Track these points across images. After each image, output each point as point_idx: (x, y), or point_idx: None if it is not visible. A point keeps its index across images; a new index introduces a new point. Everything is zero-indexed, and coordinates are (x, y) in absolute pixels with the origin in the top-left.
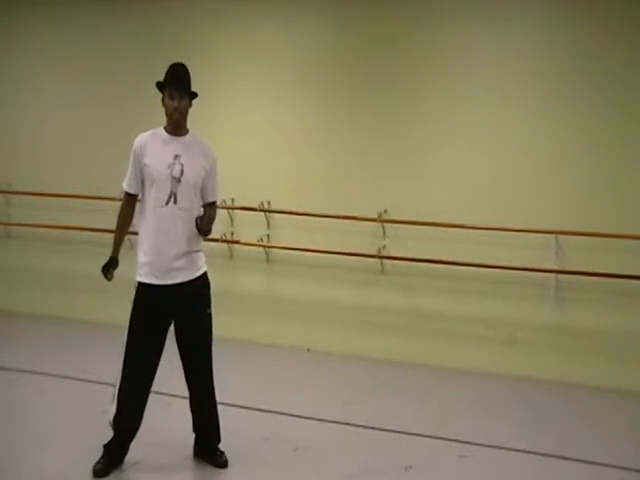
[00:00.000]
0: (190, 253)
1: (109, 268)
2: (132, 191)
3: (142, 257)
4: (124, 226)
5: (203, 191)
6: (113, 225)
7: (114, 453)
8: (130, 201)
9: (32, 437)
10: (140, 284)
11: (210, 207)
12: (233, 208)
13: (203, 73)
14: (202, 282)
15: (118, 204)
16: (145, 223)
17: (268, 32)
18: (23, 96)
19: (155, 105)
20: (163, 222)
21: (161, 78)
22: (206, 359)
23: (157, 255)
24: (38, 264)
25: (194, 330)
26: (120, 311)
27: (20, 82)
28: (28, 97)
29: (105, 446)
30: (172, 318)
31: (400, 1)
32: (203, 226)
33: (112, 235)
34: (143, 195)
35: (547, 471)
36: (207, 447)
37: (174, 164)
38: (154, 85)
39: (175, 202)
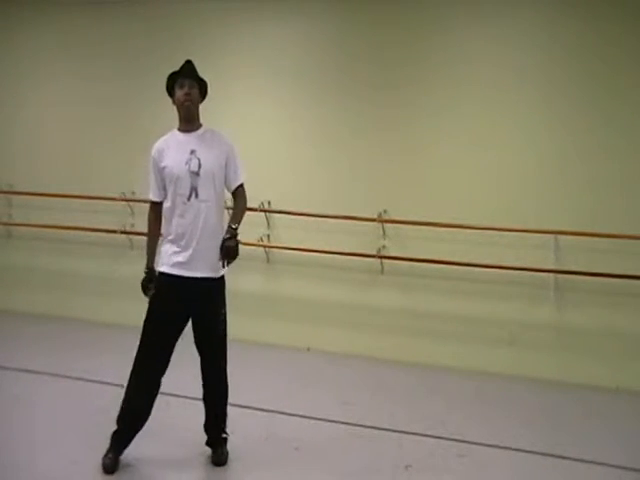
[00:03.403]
0: (216, 247)
1: (149, 284)
2: (157, 199)
3: (167, 248)
4: (155, 237)
5: (227, 179)
6: (113, 225)
7: (119, 446)
8: (157, 210)
9: (32, 436)
10: (161, 274)
11: (238, 193)
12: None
13: (203, 74)
14: (222, 282)
15: (119, 204)
16: (170, 221)
17: (268, 33)
18: (24, 97)
19: (155, 106)
20: (188, 217)
21: (161, 79)
22: (220, 358)
23: (183, 249)
24: (39, 264)
25: (211, 327)
26: (120, 311)
27: (21, 83)
28: (29, 98)
29: (111, 439)
30: (190, 313)
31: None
32: (229, 253)
33: (112, 235)
34: (166, 197)
35: (546, 470)
36: (210, 443)
37: (191, 159)
38: (154, 86)
39: (197, 196)
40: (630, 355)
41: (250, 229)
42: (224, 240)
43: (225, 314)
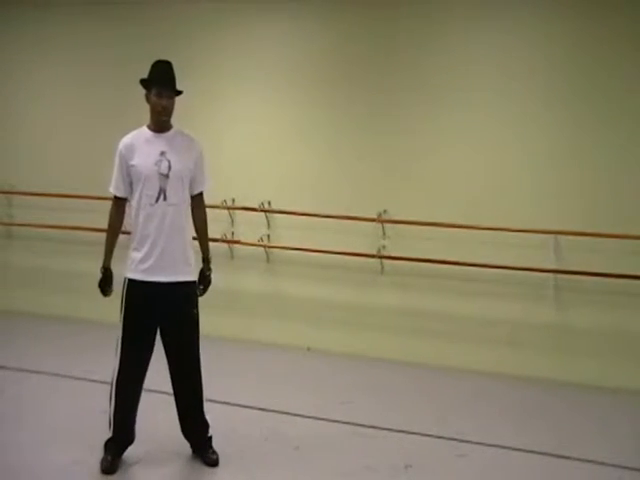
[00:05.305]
0: (183, 250)
1: (106, 284)
2: (121, 194)
3: (134, 254)
4: (115, 233)
5: (192, 183)
6: None
7: (117, 449)
8: (119, 205)
9: (34, 435)
10: (130, 281)
11: (198, 200)
12: (233, 208)
13: (203, 76)
14: (191, 285)
15: None
16: (136, 223)
17: (267, 35)
18: (26, 97)
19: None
20: (155, 220)
21: None
22: (193, 357)
23: (150, 252)
24: (40, 264)
25: (182, 328)
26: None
27: (23, 84)
28: (30, 98)
29: (106, 443)
30: (161, 316)
31: (399, 1)
32: (208, 285)
33: None
34: (132, 196)
35: (546, 470)
36: (197, 446)
37: (161, 161)
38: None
39: (165, 199)
40: (630, 355)
41: (250, 229)
42: (205, 274)
43: (197, 315)
